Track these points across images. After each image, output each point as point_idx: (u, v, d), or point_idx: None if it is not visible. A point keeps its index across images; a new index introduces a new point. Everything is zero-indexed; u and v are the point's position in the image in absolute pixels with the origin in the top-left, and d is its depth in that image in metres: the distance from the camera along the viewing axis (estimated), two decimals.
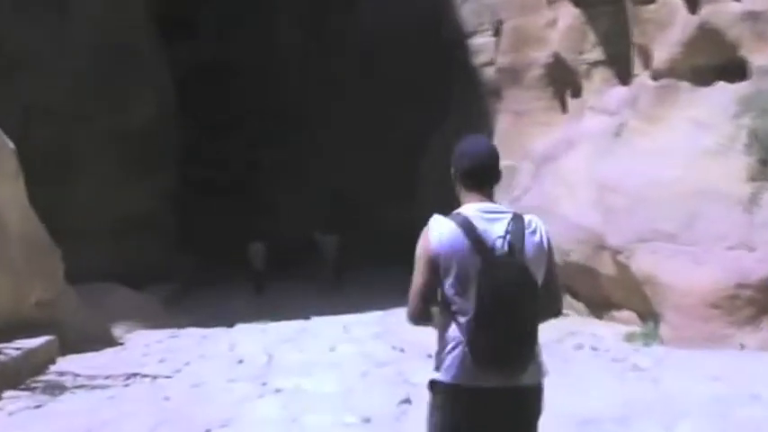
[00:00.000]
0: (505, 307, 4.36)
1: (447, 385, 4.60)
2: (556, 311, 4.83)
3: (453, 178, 4.89)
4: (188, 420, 10.12)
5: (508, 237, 4.54)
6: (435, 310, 4.68)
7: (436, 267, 4.60)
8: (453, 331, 4.57)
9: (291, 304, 22.46)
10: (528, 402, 4.59)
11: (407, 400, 10.76)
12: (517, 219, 4.63)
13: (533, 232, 4.65)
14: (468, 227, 4.55)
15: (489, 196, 4.75)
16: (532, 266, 4.53)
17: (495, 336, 4.38)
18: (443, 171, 18.45)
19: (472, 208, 4.68)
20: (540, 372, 4.60)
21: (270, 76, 31.96)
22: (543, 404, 4.66)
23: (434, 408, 4.69)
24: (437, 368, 4.66)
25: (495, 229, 4.56)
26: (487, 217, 4.61)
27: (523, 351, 4.44)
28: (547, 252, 4.69)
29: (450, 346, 4.58)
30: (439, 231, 4.61)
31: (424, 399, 10.55)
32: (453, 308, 4.57)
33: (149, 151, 26.58)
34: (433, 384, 4.69)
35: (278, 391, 11.72)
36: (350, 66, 31.08)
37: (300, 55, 31.76)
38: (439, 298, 4.65)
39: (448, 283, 4.58)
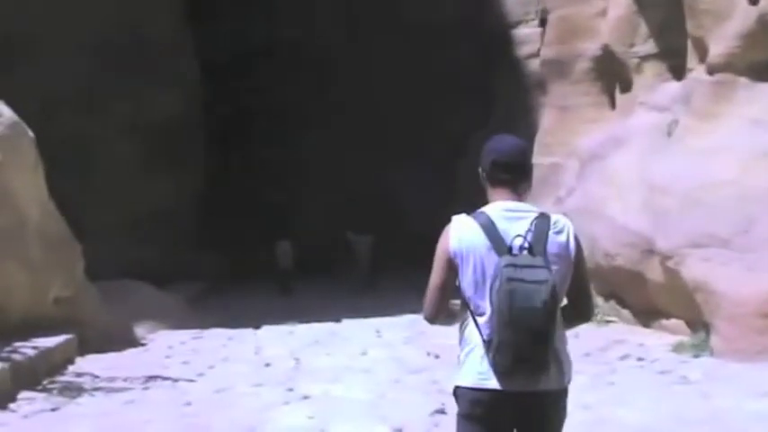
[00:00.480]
0: (521, 308, 4.28)
1: (467, 390, 4.56)
2: (586, 316, 4.81)
3: (481, 176, 4.86)
4: (209, 428, 9.85)
5: (529, 236, 4.49)
6: (457, 309, 4.67)
7: (454, 266, 4.60)
8: (471, 332, 4.57)
9: (321, 306, 21.92)
10: (549, 407, 4.53)
11: (441, 411, 10.30)
12: (542, 218, 4.57)
13: (559, 232, 4.59)
14: (488, 226, 4.54)
15: (516, 194, 4.70)
16: (555, 267, 4.46)
17: (511, 337, 4.31)
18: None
19: (496, 207, 4.66)
20: (562, 376, 4.54)
21: (307, 68, 31.39)
22: (566, 410, 4.61)
23: (459, 416, 4.66)
24: (459, 374, 4.64)
25: (517, 229, 4.52)
26: (510, 216, 4.59)
27: (541, 353, 4.35)
28: (574, 253, 4.62)
29: (468, 348, 4.58)
30: (459, 230, 4.62)
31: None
32: (471, 308, 4.57)
33: (174, 145, 26.01)
34: (456, 390, 4.66)
35: (305, 397, 11.42)
36: (389, 60, 30.38)
37: (338, 48, 31.07)
38: (459, 298, 4.64)
39: (466, 282, 4.57)
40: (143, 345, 16.47)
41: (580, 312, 4.77)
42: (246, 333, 17.89)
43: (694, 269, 14.40)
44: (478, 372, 4.50)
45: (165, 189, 25.82)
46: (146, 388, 12.23)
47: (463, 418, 4.61)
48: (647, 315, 16.08)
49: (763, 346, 13.11)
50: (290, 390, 11.79)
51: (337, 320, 19.49)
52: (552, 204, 20.71)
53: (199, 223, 27.45)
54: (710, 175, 14.75)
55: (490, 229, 4.53)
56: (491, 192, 4.77)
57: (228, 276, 26.86)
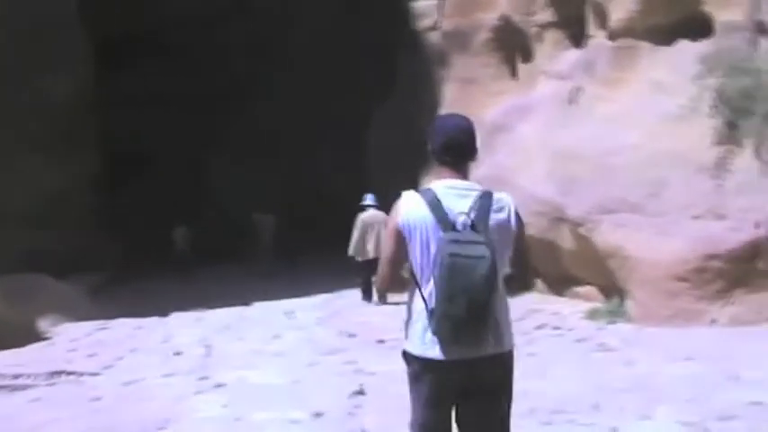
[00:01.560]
0: (461, 281, 4.52)
1: (414, 357, 4.82)
2: (519, 285, 4.91)
3: (429, 154, 5.05)
4: (121, 423, 9.32)
5: (472, 213, 4.72)
6: (408, 276, 4.90)
7: (403, 240, 4.82)
8: (417, 302, 4.78)
9: (230, 290, 21.49)
10: (489, 370, 4.76)
11: (361, 392, 10.16)
12: (485, 196, 4.79)
13: (500, 209, 4.81)
14: (434, 203, 4.74)
15: (462, 173, 4.90)
16: (495, 242, 4.66)
17: (450, 310, 4.54)
18: (390, 141, 17.54)
19: (442, 184, 4.86)
20: (501, 340, 4.74)
21: (207, 50, 30.77)
22: (511, 370, 4.87)
23: (411, 376, 4.92)
24: (406, 337, 4.89)
25: (461, 206, 4.73)
26: (455, 193, 4.79)
27: (479, 325, 4.58)
28: (514, 229, 4.85)
29: (414, 317, 4.81)
30: (407, 206, 4.83)
31: (378, 389, 9.75)
32: (417, 279, 4.79)
33: (68, 130, 25.11)
34: (405, 354, 4.91)
35: (219, 385, 11.01)
36: (292, 36, 29.95)
37: (237, 26, 30.49)
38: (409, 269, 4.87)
39: (413, 255, 4.80)
40: (47, 339, 15.89)
41: (516, 281, 5.06)
42: (154, 321, 17.43)
43: (606, 235, 14.39)
44: (422, 341, 4.75)
45: (58, 174, 24.88)
46: (51, 384, 11.69)
47: (412, 377, 4.91)
48: (560, 283, 16.05)
49: (677, 310, 13.17)
50: (203, 378, 11.40)
51: (247, 304, 19.09)
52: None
53: (95, 210, 26.63)
54: (617, 141, 14.72)
55: (436, 206, 4.73)
56: (438, 170, 4.96)
57: (128, 264, 26.13)
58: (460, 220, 4.70)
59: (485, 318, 4.58)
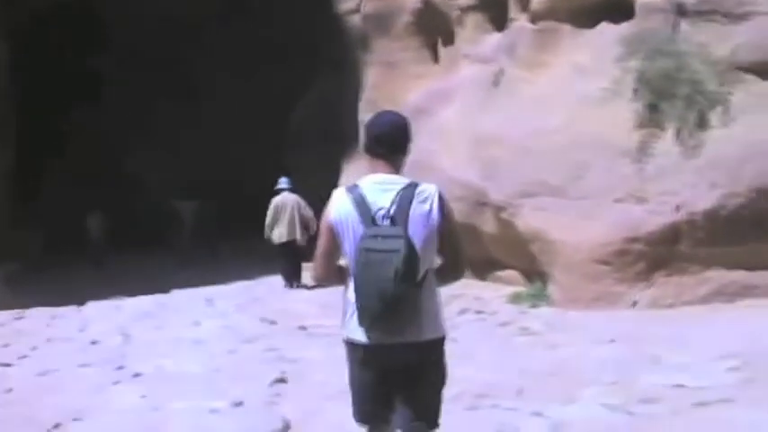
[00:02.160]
0: (373, 274, 4.73)
1: (346, 341, 5.12)
2: (455, 273, 5.19)
3: (363, 150, 5.24)
4: (34, 415, 9.02)
5: (393, 207, 4.88)
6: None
7: (334, 235, 5.05)
8: (349, 292, 4.97)
9: (149, 277, 21.06)
10: (414, 357, 4.94)
11: (282, 379, 10.02)
12: (408, 189, 4.93)
13: (423, 201, 4.92)
14: (358, 199, 4.94)
15: (391, 167, 5.05)
16: (417, 235, 4.83)
17: (365, 302, 4.79)
18: (311, 125, 17.29)
19: (369, 179, 5.03)
20: (422, 330, 4.90)
21: (127, 32, 30.20)
22: (438, 357, 5.06)
23: (347, 360, 5.18)
24: (341, 325, 5.15)
25: (383, 200, 4.91)
26: (379, 188, 4.96)
27: (396, 314, 4.75)
28: (437, 220, 4.94)
29: (346, 307, 5.04)
30: (336, 203, 5.04)
31: (300, 377, 9.55)
32: (350, 272, 4.97)
33: None
34: (343, 340, 5.16)
35: (136, 375, 10.79)
36: (211, 21, 29.49)
37: (159, 12, 29.93)
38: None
39: (345, 250, 5.02)
40: None
41: (449, 271, 5.16)
42: (71, 311, 16.95)
43: (528, 219, 14.35)
44: (352, 327, 5.02)
45: None
46: None
47: (349, 361, 5.16)
48: (482, 267, 15.94)
49: (600, 293, 13.19)
50: (120, 368, 11.11)
51: (166, 291, 18.76)
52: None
53: (11, 199, 25.97)
54: (539, 124, 14.66)
55: (360, 203, 4.93)
56: (369, 164, 5.12)
57: (44, 253, 25.55)
58: (380, 214, 4.89)
59: (400, 309, 4.75)
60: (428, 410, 5.10)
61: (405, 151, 5.12)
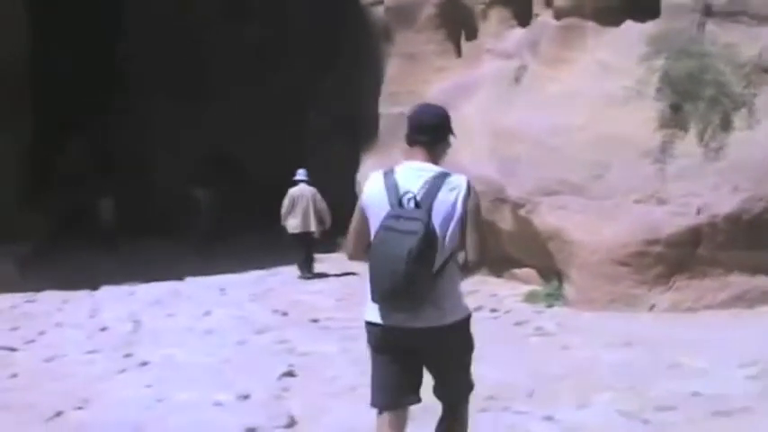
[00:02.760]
0: (388, 255, 4.85)
1: (366, 323, 5.25)
2: (475, 265, 5.20)
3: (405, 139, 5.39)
4: (37, 402, 8.92)
5: (421, 192, 5.04)
6: None
7: (365, 214, 5.26)
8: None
9: (164, 264, 20.89)
10: (432, 341, 5.09)
11: (290, 373, 9.87)
12: (439, 177, 5.12)
13: (451, 190, 5.10)
14: (390, 181, 5.15)
15: (429, 155, 5.26)
16: (439, 221, 4.99)
17: (377, 280, 4.95)
18: (332, 118, 17.14)
19: (405, 165, 5.25)
20: (443, 315, 5.04)
21: (147, 18, 30.05)
22: (458, 343, 5.25)
23: (367, 343, 5.36)
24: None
25: (412, 185, 5.07)
26: (413, 174, 5.15)
27: (406, 294, 4.87)
28: (460, 211, 5.08)
29: (367, 286, 5.11)
30: (369, 185, 5.28)
31: (309, 371, 9.43)
32: None
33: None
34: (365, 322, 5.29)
35: (144, 363, 10.70)
36: (227, 9, 29.29)
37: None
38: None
39: (371, 230, 5.15)
40: None
41: (468, 263, 5.19)
42: (83, 295, 16.88)
43: (547, 217, 14.16)
44: (369, 308, 5.18)
45: None
46: None
47: (368, 343, 5.33)
48: (498, 264, 15.74)
49: (616, 295, 13.01)
50: (128, 356, 11.02)
51: (180, 279, 18.65)
52: (400, 154, 20.23)
53: (27, 181, 25.82)
54: (561, 122, 14.46)
55: (390, 185, 5.12)
56: (407, 153, 5.31)
57: (58, 236, 25.38)
58: (407, 197, 5.01)
59: (411, 291, 4.86)
60: (460, 387, 5.37)
61: (442, 141, 5.34)
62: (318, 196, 18.99)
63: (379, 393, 5.32)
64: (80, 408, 8.70)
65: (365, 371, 9.80)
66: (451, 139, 5.43)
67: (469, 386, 5.41)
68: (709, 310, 12.54)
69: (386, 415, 5.27)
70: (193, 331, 12.80)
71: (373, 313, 5.15)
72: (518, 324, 12.53)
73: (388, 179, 5.17)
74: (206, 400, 8.74)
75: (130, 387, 9.44)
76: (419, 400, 5.30)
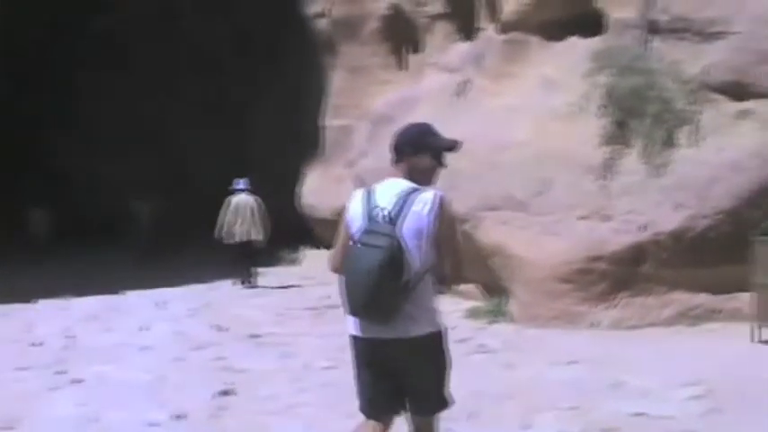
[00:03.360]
0: (360, 265, 5.05)
1: (349, 335, 5.44)
2: (445, 278, 5.34)
3: None
4: None
5: (394, 207, 5.18)
6: None
7: (348, 231, 5.37)
8: None
9: (102, 277, 20.53)
10: (402, 352, 5.23)
11: (227, 391, 9.58)
12: (410, 192, 5.23)
13: (421, 204, 5.18)
14: (367, 198, 5.31)
15: (400, 172, 5.39)
16: (408, 235, 5.12)
17: (348, 289, 5.12)
18: (275, 131, 16.89)
19: (384, 182, 5.38)
20: (411, 327, 5.16)
21: (70, 30, 29.59)
22: (430, 355, 5.30)
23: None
24: None
25: (386, 201, 5.22)
26: (387, 190, 5.28)
27: (376, 306, 5.04)
28: (430, 226, 5.17)
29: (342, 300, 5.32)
30: (351, 201, 5.42)
31: (247, 389, 9.17)
32: None
33: None
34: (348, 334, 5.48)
35: (76, 381, 10.37)
36: (174, 19, 28.98)
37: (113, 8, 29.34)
38: None
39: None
40: None
41: (440, 274, 5.29)
42: (16, 309, 16.45)
43: (490, 233, 14.05)
44: (350, 321, 5.33)
45: None
46: None
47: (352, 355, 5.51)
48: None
49: (560, 312, 12.91)
50: (60, 373, 10.70)
51: (118, 293, 18.28)
52: (343, 167, 20.13)
53: None
54: (504, 137, 14.38)
55: (368, 201, 5.28)
56: (390, 170, 5.44)
57: None
58: (381, 213, 5.18)
59: (380, 303, 5.03)
60: (428, 400, 5.39)
61: (412, 157, 5.39)
62: (261, 205, 18.97)
63: (361, 402, 5.53)
64: (10, 428, 8.39)
65: (304, 388, 9.71)
66: (433, 154, 5.46)
67: (441, 403, 5.44)
68: (652, 327, 12.46)
69: (369, 422, 5.49)
70: (129, 347, 12.47)
71: (353, 326, 5.31)
72: (460, 341, 12.28)
73: (366, 195, 5.32)
74: (140, 419, 8.47)
75: (62, 406, 9.14)
76: (398, 413, 5.48)
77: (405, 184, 5.28)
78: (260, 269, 19.58)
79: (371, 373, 5.39)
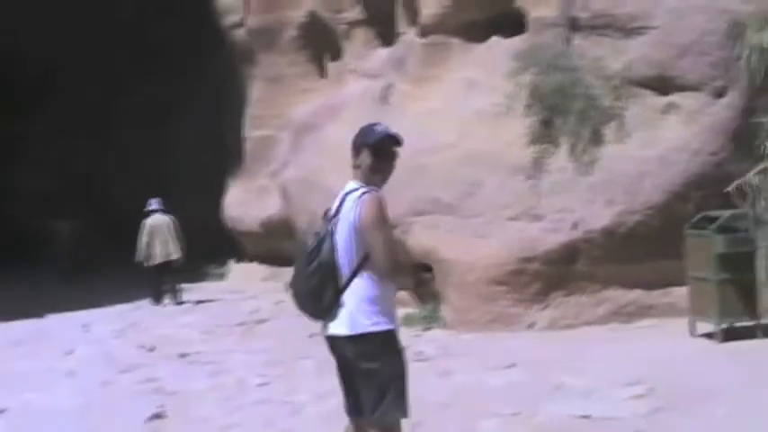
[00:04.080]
0: (299, 264, 5.47)
1: None
2: (378, 272, 5.29)
3: None
4: None
5: (334, 208, 5.48)
6: None
7: None
8: None
9: (23, 300, 19.87)
10: (345, 350, 5.37)
11: (159, 415, 9.33)
12: (349, 192, 5.46)
13: (352, 203, 5.37)
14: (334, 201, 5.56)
15: (354, 174, 5.55)
16: (341, 234, 5.36)
17: (291, 287, 5.57)
18: (198, 144, 16.51)
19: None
20: (349, 324, 5.30)
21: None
22: (372, 354, 5.31)
23: None
24: None
25: (336, 203, 5.52)
26: (344, 192, 5.53)
27: (316, 304, 5.36)
28: (356, 220, 5.30)
29: None
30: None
31: (178, 411, 8.85)
32: None
33: None
34: None
35: (0, 411, 9.91)
36: (92, 35, 28.35)
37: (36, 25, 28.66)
38: None
39: None
40: None
41: (381, 271, 5.29)
42: None
43: (420, 237, 13.90)
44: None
45: None
46: None
47: None
48: None
49: (495, 315, 12.82)
50: None
51: (40, 316, 17.76)
52: (266, 178, 19.87)
53: None
54: (430, 141, 14.21)
55: (330, 206, 5.56)
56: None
57: None
58: (330, 215, 5.49)
59: (315, 301, 5.34)
60: (373, 402, 5.35)
61: (356, 159, 5.53)
62: (176, 223, 18.92)
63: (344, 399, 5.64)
64: None
65: (238, 407, 9.43)
66: (372, 152, 5.53)
67: (388, 414, 5.39)
68: (588, 326, 12.45)
69: (349, 420, 5.63)
70: (54, 373, 12.06)
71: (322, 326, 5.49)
72: None
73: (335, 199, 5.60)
74: None
75: None
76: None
77: (350, 185, 5.47)
78: (183, 285, 19.27)
79: (338, 373, 5.57)
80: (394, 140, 5.64)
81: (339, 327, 5.34)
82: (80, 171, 28.59)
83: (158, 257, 18.73)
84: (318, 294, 5.32)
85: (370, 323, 5.32)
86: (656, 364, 9.84)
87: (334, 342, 5.42)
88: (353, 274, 5.31)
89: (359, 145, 5.56)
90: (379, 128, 5.66)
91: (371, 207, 5.32)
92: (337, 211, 5.43)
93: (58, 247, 25.32)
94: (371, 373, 5.34)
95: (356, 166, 5.53)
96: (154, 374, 11.51)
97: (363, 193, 5.36)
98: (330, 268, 5.32)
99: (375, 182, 5.48)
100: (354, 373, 5.41)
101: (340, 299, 5.33)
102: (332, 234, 5.37)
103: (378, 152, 5.51)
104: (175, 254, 18.75)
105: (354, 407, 5.51)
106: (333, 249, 5.33)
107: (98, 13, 26.50)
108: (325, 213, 5.56)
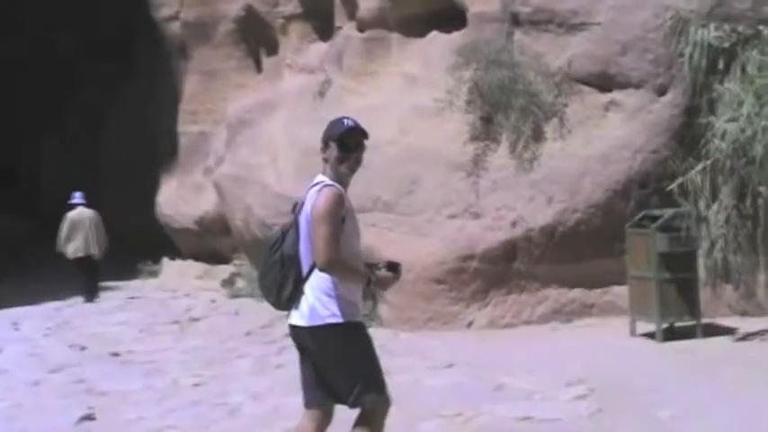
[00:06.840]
0: (265, 258, 5.65)
1: None
2: (319, 267, 5.39)
3: None
4: None
5: (302, 202, 5.60)
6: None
7: None
8: None
9: None
10: (305, 340, 5.52)
11: (89, 416, 9.09)
12: (312, 187, 5.59)
13: (311, 199, 5.51)
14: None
15: (324, 167, 5.69)
16: (303, 227, 5.52)
17: (258, 281, 5.78)
18: (130, 138, 16.11)
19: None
20: (312, 315, 5.44)
21: None
22: (331, 347, 5.46)
23: None
24: None
25: (304, 197, 5.64)
26: (308, 186, 5.65)
27: (278, 294, 5.54)
28: (309, 215, 5.47)
29: None
30: None
31: (110, 412, 8.55)
32: None
33: None
34: None
35: None
36: (20, 25, 27.78)
37: None
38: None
39: None
40: None
41: (318, 265, 5.42)
42: None
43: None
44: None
45: None
46: None
47: None
48: None
49: (434, 313, 12.70)
50: None
51: None
52: (202, 174, 19.58)
53: None
54: (369, 137, 13.96)
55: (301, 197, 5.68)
56: None
57: None
58: (297, 208, 5.64)
59: (277, 290, 5.52)
60: (346, 389, 5.48)
61: (324, 153, 5.67)
62: (99, 218, 18.69)
63: (302, 390, 5.70)
64: None
65: (172, 408, 9.16)
66: (338, 145, 5.62)
67: (362, 398, 5.53)
68: (527, 325, 12.38)
69: (307, 411, 5.64)
70: None
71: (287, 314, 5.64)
72: None
73: None
74: None
75: None
76: (329, 403, 5.61)
77: (318, 178, 5.62)
78: (118, 283, 18.94)
79: (301, 361, 5.66)
80: (360, 133, 5.71)
81: (299, 318, 5.50)
82: (6, 166, 28.05)
83: (79, 251, 18.50)
84: (280, 285, 5.51)
85: (328, 314, 5.46)
86: (597, 364, 9.82)
87: (294, 331, 5.58)
88: (314, 266, 5.44)
89: (326, 138, 5.66)
90: (347, 121, 5.71)
91: (324, 201, 5.42)
92: (303, 204, 5.54)
93: None
94: (335, 362, 5.49)
95: (325, 160, 5.64)
96: (84, 374, 11.23)
97: (323, 186, 5.48)
98: (291, 259, 5.52)
99: (342, 173, 5.59)
100: (319, 363, 5.51)
101: (301, 289, 5.49)
102: (297, 226, 5.53)
103: (343, 144, 5.60)
104: (94, 249, 18.51)
105: (324, 397, 5.58)
106: (296, 241, 5.52)
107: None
108: (294, 206, 5.68)
